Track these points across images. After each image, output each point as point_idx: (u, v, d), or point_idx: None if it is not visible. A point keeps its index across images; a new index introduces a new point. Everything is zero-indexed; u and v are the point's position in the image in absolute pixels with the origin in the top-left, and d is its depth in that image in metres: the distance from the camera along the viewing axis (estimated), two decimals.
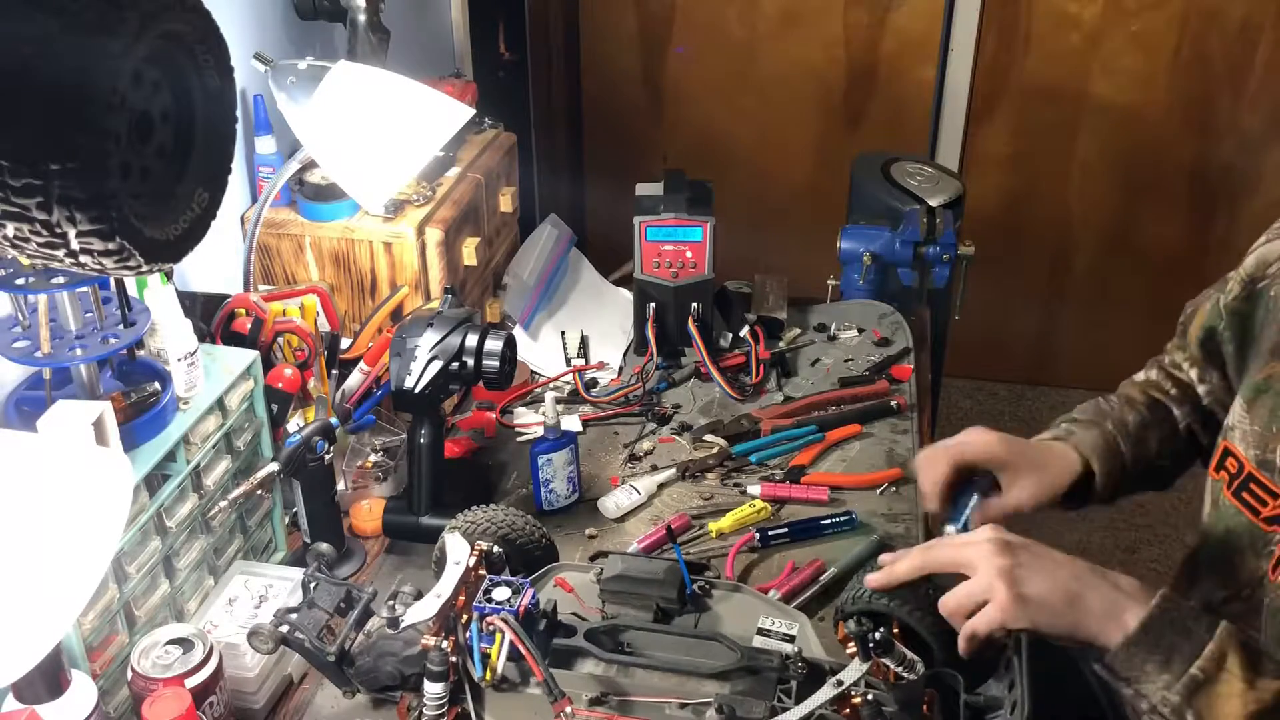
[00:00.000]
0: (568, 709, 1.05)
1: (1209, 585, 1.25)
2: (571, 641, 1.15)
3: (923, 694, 1.07)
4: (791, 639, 1.16)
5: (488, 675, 1.10)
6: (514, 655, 1.10)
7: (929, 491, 1.27)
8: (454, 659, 1.11)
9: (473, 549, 1.18)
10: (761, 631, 1.17)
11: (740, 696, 1.08)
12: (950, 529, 1.27)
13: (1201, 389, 1.37)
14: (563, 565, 1.29)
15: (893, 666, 1.08)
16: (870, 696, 1.05)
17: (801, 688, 1.08)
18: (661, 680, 1.12)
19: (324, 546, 1.24)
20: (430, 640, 1.09)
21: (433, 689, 1.10)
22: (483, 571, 1.18)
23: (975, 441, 1.28)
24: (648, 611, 1.20)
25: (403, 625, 1.11)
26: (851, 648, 1.08)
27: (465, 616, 1.13)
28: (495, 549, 1.22)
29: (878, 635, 1.05)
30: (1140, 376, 1.43)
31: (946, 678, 1.08)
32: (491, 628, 1.11)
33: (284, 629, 1.15)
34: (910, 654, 1.08)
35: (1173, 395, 1.38)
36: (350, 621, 1.18)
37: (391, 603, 1.13)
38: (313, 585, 1.20)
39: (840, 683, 1.05)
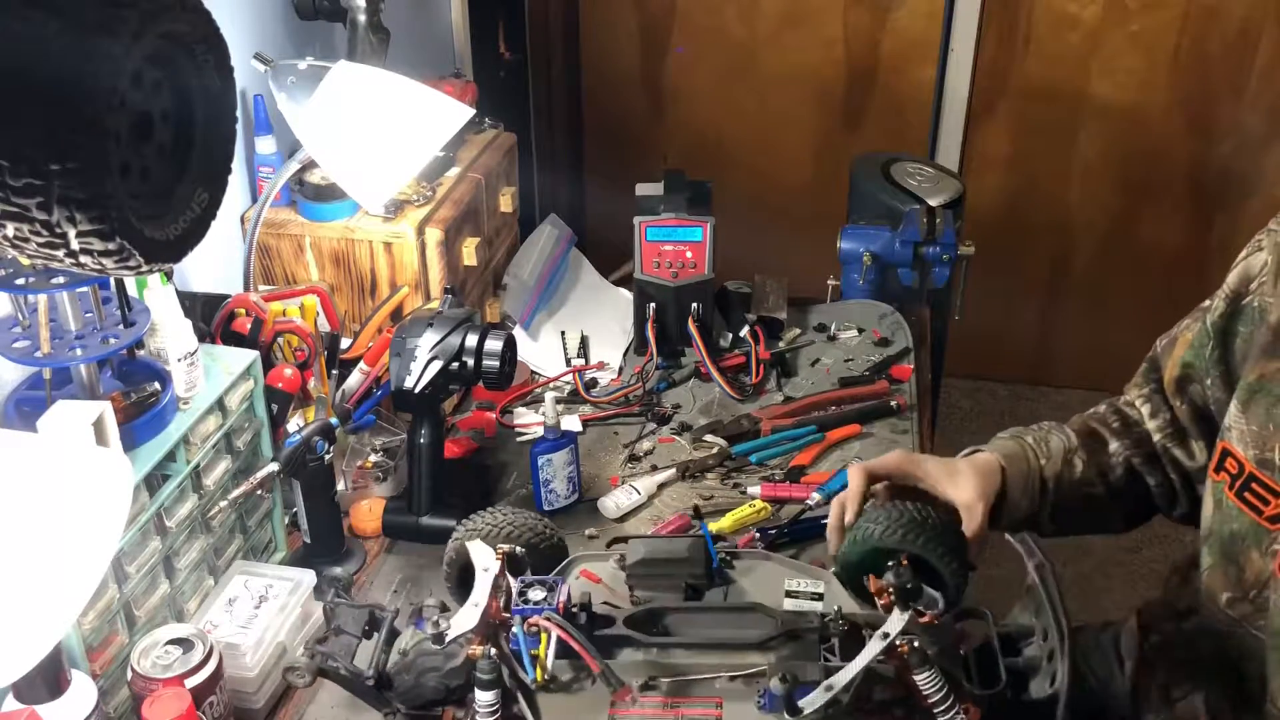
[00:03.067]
0: (629, 697, 1.06)
1: (1214, 586, 1.24)
2: (612, 631, 1.15)
3: (954, 632, 1.08)
4: (820, 597, 1.15)
5: (539, 675, 1.10)
6: (559, 653, 1.10)
7: (840, 499, 1.27)
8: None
9: (498, 555, 1.17)
10: (790, 594, 1.16)
11: (790, 661, 1.09)
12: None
13: (1153, 424, 1.33)
14: (584, 556, 1.29)
15: (922, 609, 1.09)
16: (916, 644, 1.05)
17: (843, 645, 1.09)
18: (705, 657, 1.12)
19: (337, 571, 1.24)
20: (477, 649, 1.09)
21: (484, 697, 1.09)
22: (505, 579, 1.17)
23: (885, 457, 1.29)
24: (677, 591, 1.20)
25: (448, 639, 1.10)
26: (883, 599, 1.09)
27: (502, 620, 1.13)
28: (518, 550, 1.21)
29: (909, 585, 1.07)
30: (1089, 411, 1.39)
31: (975, 613, 1.10)
32: (536, 628, 1.10)
33: (319, 660, 1.14)
34: (933, 592, 1.09)
35: (1113, 428, 1.34)
36: (379, 642, 1.18)
37: (435, 618, 1.12)
38: (335, 611, 1.20)
39: (886, 635, 1.06)
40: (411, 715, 1.18)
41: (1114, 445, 1.33)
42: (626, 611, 1.17)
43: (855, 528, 1.18)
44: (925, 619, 1.09)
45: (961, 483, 1.24)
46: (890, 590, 1.08)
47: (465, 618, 1.10)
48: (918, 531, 1.13)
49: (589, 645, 1.08)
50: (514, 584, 1.15)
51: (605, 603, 1.20)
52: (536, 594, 1.13)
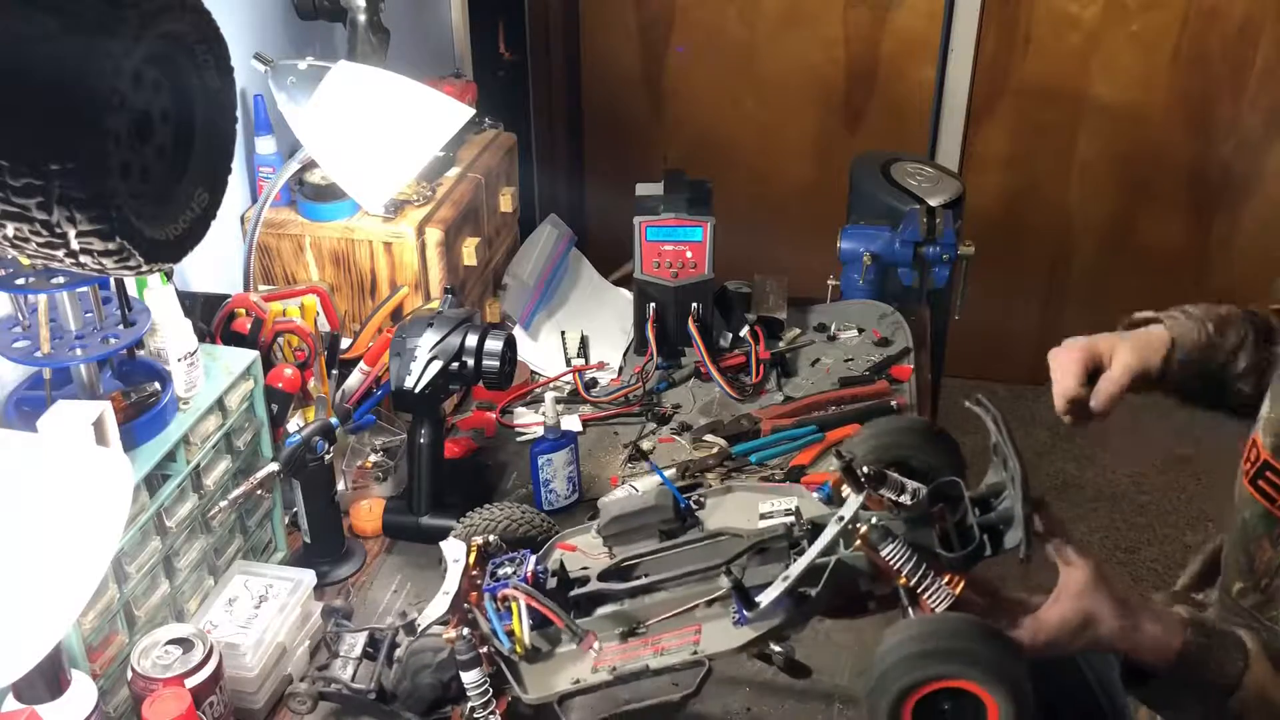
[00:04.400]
0: (595, 645, 1.07)
1: (1228, 576, 1.25)
2: (588, 589, 1.15)
3: (928, 508, 1.05)
4: (794, 513, 1.14)
5: (518, 648, 1.10)
6: (537, 624, 1.11)
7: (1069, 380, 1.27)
8: (483, 649, 1.11)
9: (469, 546, 1.18)
10: (764, 516, 1.15)
11: (756, 568, 1.08)
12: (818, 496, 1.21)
13: None
14: (562, 534, 1.29)
15: (893, 497, 1.05)
16: (874, 521, 1.03)
17: (812, 544, 1.07)
18: (686, 590, 1.12)
19: (338, 604, 1.26)
20: (452, 632, 1.10)
21: (469, 677, 1.10)
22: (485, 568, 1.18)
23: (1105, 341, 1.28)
24: (654, 540, 1.20)
25: (420, 627, 1.11)
26: (846, 489, 1.06)
27: (481, 607, 1.14)
28: (492, 538, 1.22)
29: (865, 469, 1.04)
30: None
31: (946, 487, 1.06)
32: (506, 601, 1.11)
33: (319, 685, 1.15)
34: (907, 481, 1.06)
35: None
36: (380, 661, 1.18)
37: (404, 609, 1.14)
38: (335, 639, 1.20)
39: (841, 518, 1.03)
40: None
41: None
42: (599, 568, 1.17)
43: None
44: (904, 505, 1.05)
45: (1121, 350, 1.27)
46: (842, 477, 1.06)
47: (435, 606, 1.11)
48: (900, 437, 1.13)
49: (549, 603, 1.09)
50: (489, 565, 1.16)
51: (583, 568, 1.20)
52: (505, 570, 1.14)
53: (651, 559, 1.16)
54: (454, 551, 1.17)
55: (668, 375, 1.85)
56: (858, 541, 1.04)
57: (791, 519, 1.12)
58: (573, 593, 1.14)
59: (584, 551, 1.23)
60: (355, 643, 1.21)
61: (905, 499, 1.05)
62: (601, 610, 1.14)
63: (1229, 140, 3.09)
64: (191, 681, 1.14)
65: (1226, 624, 1.11)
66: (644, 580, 1.14)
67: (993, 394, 1.13)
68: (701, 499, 1.23)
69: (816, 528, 1.09)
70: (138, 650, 1.17)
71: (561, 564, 1.17)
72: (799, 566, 1.03)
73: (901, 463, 1.11)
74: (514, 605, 1.11)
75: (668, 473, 1.62)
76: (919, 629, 0.96)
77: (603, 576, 1.15)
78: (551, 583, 1.14)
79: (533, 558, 1.15)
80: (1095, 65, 3.07)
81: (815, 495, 1.48)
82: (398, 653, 1.19)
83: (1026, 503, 1.00)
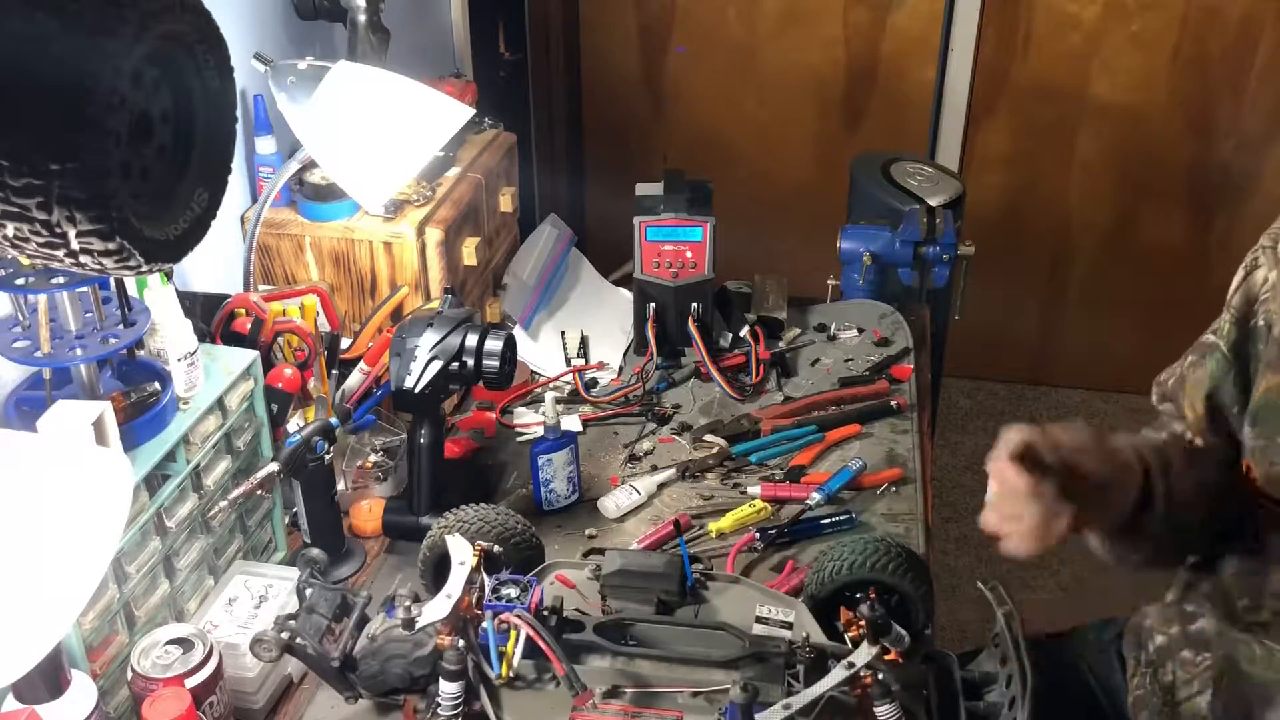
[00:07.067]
0: (591, 701, 1.07)
1: (1232, 591, 1.24)
2: (581, 636, 1.15)
3: (919, 672, 1.10)
4: (789, 625, 1.16)
5: (504, 672, 1.10)
6: (526, 652, 1.11)
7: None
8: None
9: (475, 550, 1.18)
10: (760, 620, 1.18)
11: (753, 681, 1.09)
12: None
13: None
14: (561, 562, 1.29)
15: (888, 646, 1.10)
16: (880, 676, 1.07)
17: (808, 672, 1.10)
18: (671, 671, 1.13)
19: (315, 552, 1.24)
20: (446, 639, 1.09)
21: (449, 688, 1.10)
22: (480, 575, 1.18)
23: (1085, 448, 1.10)
24: (649, 604, 1.21)
25: (418, 626, 1.11)
26: (854, 631, 1.11)
27: (473, 615, 1.13)
28: (496, 548, 1.22)
29: (881, 620, 1.09)
30: (1151, 435, 1.28)
31: (940, 657, 1.12)
32: (506, 625, 1.11)
33: (286, 635, 1.15)
34: (900, 629, 1.11)
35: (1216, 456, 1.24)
36: (349, 626, 1.18)
37: (408, 604, 1.13)
38: (308, 591, 1.20)
39: (852, 665, 1.07)
40: (373, 701, 1.19)
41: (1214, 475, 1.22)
42: (597, 619, 1.18)
43: (820, 567, 1.22)
44: (890, 655, 1.10)
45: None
46: (861, 623, 1.10)
47: (437, 607, 1.11)
48: (886, 559, 1.19)
49: (556, 647, 1.09)
50: (488, 581, 1.16)
51: (577, 609, 1.20)
52: (510, 591, 1.14)
53: (647, 626, 1.18)
54: (461, 553, 1.17)
55: (668, 375, 1.85)
56: (853, 686, 1.09)
57: (788, 634, 1.15)
58: (567, 635, 1.15)
59: (580, 592, 1.24)
60: (327, 600, 1.20)
61: (890, 644, 1.10)
62: (587, 661, 1.15)
63: (1229, 140, 3.09)
64: (191, 681, 1.14)
65: None
66: (641, 650, 1.15)
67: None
68: (705, 580, 1.25)
69: (820, 655, 1.12)
70: (138, 650, 1.17)
71: (562, 604, 1.17)
72: (804, 699, 1.06)
73: (875, 583, 1.18)
74: (513, 632, 1.11)
75: (668, 473, 1.62)
76: None
77: (599, 630, 1.16)
78: (551, 620, 1.14)
79: (539, 588, 1.15)
80: (1095, 65, 3.07)
81: (816, 496, 1.50)
82: (369, 629, 1.19)
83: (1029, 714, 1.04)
